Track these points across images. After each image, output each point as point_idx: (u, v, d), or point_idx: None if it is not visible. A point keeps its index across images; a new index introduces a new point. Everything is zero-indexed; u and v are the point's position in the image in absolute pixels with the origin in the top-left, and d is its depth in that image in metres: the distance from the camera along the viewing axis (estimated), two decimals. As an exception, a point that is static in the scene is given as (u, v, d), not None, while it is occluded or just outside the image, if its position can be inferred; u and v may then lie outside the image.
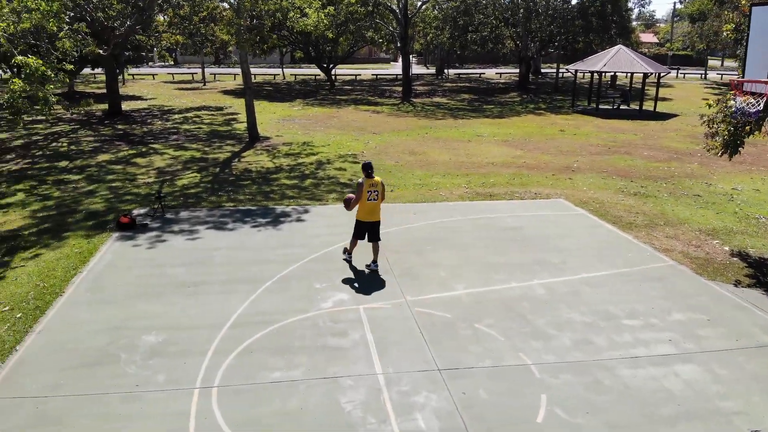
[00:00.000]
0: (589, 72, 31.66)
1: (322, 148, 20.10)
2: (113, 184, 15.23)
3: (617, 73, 40.59)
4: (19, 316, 7.98)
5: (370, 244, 9.63)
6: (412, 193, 14.59)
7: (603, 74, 31.60)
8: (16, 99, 12.03)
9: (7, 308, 8.20)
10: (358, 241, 9.77)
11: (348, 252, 9.99)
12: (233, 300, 8.51)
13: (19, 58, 11.94)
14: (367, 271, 9.59)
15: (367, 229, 9.61)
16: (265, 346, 7.28)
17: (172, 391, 6.35)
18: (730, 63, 67.38)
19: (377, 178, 9.56)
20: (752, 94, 7.36)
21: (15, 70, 12.42)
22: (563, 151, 20.42)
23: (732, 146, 9.79)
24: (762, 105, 7.23)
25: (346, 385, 6.50)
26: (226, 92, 37.55)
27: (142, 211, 12.78)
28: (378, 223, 9.68)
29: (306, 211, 12.98)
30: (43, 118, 25.83)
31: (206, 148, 19.92)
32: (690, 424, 6.01)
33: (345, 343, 7.39)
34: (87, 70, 39.48)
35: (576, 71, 31.87)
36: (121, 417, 5.95)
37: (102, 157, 18.44)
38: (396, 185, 15.25)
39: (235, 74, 47.16)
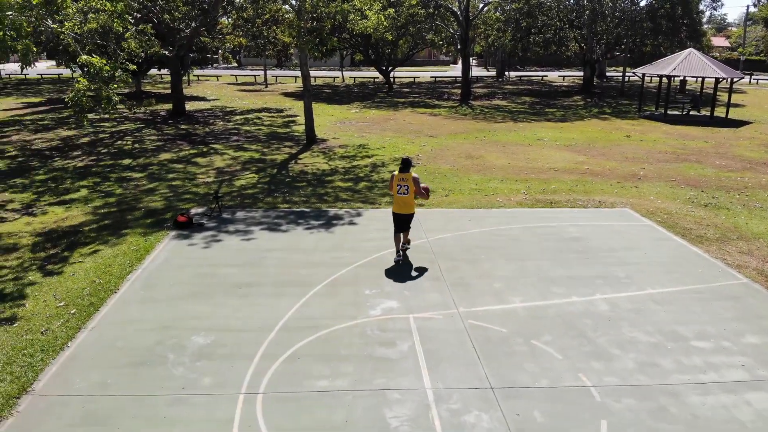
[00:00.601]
0: (658, 76, 30.34)
1: (377, 151, 19.97)
2: (173, 183, 15.53)
3: (686, 78, 38.91)
4: (73, 312, 8.12)
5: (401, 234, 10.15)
6: (467, 198, 14.22)
7: (672, 79, 30.20)
8: (81, 97, 12.39)
9: (62, 304, 8.37)
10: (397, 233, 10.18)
11: (397, 251, 10.16)
12: (283, 303, 8.42)
13: (84, 57, 12.30)
14: (396, 260, 9.95)
15: (395, 220, 10.03)
16: (311, 353, 7.13)
17: (218, 396, 6.27)
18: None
19: (410, 174, 9.79)
20: None
21: (83, 69, 12.74)
22: (629, 157, 19.56)
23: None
24: None
25: (393, 399, 6.26)
26: (287, 94, 38.04)
27: (200, 210, 12.94)
28: (408, 216, 10.01)
29: (358, 214, 12.83)
30: (109, 117, 26.92)
31: (265, 150, 20.12)
32: (768, 462, 5.46)
33: (393, 353, 7.15)
34: (154, 71, 40.87)
35: (644, 75, 30.59)
36: (166, 420, 5.91)
37: (164, 156, 18.89)
38: (451, 190, 14.92)
39: (295, 77, 47.80)
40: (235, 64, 64.20)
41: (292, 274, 9.48)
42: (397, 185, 9.79)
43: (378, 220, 12.44)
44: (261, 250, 10.49)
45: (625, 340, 7.58)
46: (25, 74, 47.79)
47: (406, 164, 9.84)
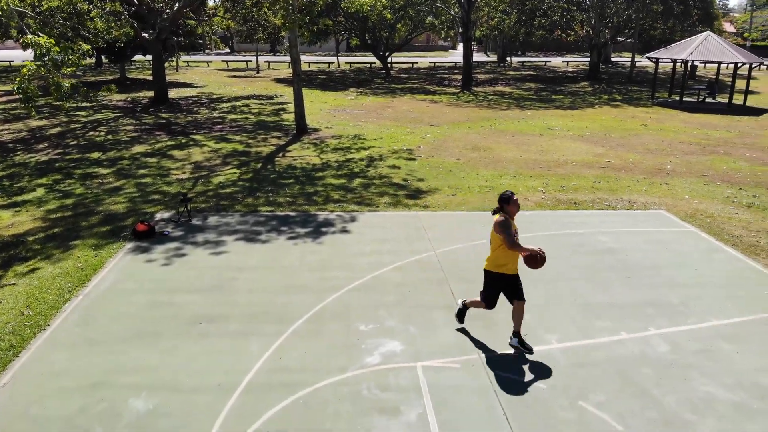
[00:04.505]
0: (672, 61, 28.40)
1: (374, 142, 18.06)
2: (143, 180, 13.64)
3: (696, 64, 36.92)
4: (-17, 361, 6.28)
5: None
6: (477, 198, 12.36)
7: (686, 64, 28.27)
8: (27, 85, 10.46)
9: (-27, 348, 6.53)
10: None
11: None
12: (252, 347, 6.56)
13: (29, 36, 10.34)
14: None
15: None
16: (286, 427, 5.29)
17: (150, 502, 4.45)
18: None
19: (495, 216, 6.53)
20: None
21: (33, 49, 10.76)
22: (651, 149, 17.70)
23: None
24: None
25: (397, 508, 4.45)
26: (279, 80, 36.04)
27: (166, 215, 11.06)
28: (485, 273, 6.75)
29: (352, 219, 10.97)
30: (88, 105, 24.93)
31: (250, 141, 18.20)
32: None
33: (396, 426, 5.31)
34: (140, 57, 38.78)
35: (658, 59, 28.63)
36: None
37: (137, 149, 16.98)
38: (458, 188, 13.05)
39: (289, 62, 45.81)
40: (228, 50, 61.99)
41: (267, 303, 7.62)
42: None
43: (375, 226, 10.59)
44: (232, 269, 8.63)
45: (698, 399, 5.77)
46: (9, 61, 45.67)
47: (498, 202, 6.54)
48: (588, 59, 44.29)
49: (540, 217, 11.25)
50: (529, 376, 6.10)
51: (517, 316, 6.52)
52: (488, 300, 6.68)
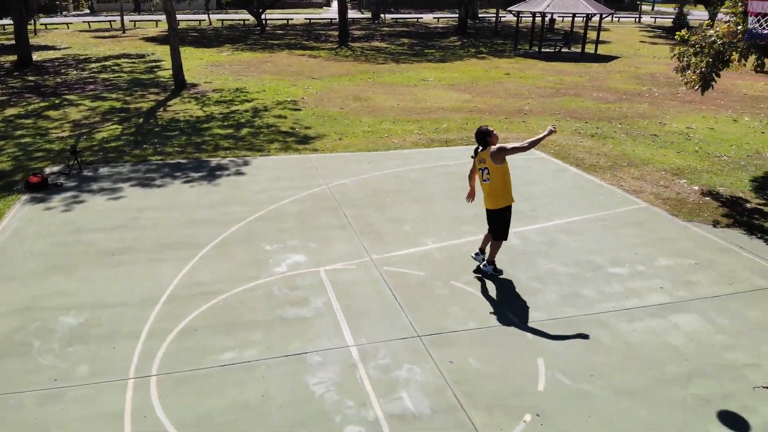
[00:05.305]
0: (531, 14, 30.81)
1: (258, 95, 18.51)
2: (22, 141, 13.29)
3: (555, 17, 40.10)
4: None
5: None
6: (362, 141, 13.44)
7: (544, 17, 30.81)
8: None
9: None
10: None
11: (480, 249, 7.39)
12: (166, 270, 7.25)
13: None
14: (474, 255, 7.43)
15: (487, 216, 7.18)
16: (210, 323, 6.14)
17: (100, 385, 5.16)
18: (661, 8, 68.29)
19: (489, 149, 6.71)
20: (763, 15, 6.63)
21: None
22: (512, 94, 19.64)
23: (708, 78, 9.15)
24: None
25: (313, 363, 5.50)
26: (148, 39, 34.59)
27: (56, 169, 11.10)
28: (491, 213, 7.00)
29: (245, 164, 11.65)
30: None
31: (127, 98, 17.93)
32: (702, 381, 5.37)
33: (307, 312, 6.34)
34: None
35: (519, 13, 30.93)
36: (38, 422, 4.74)
37: (10, 111, 16.21)
38: (344, 133, 14.05)
39: (156, 20, 43.81)
40: (87, 11, 57.71)
41: (173, 235, 8.26)
42: (479, 170, 6.91)
43: (269, 168, 11.35)
44: (133, 210, 9.10)
45: (543, 273, 7.31)
46: None
47: (481, 138, 6.77)
48: (457, 15, 46.33)
49: (417, 153, 12.53)
50: (412, 268, 7.34)
51: (494, 247, 7.08)
52: (505, 235, 7.02)
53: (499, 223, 6.98)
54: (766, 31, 6.58)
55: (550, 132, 6.63)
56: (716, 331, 6.15)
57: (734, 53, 8.75)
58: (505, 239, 7.14)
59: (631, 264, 7.58)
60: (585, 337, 5.99)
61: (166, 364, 5.47)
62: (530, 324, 6.21)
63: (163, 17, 46.88)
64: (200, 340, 5.84)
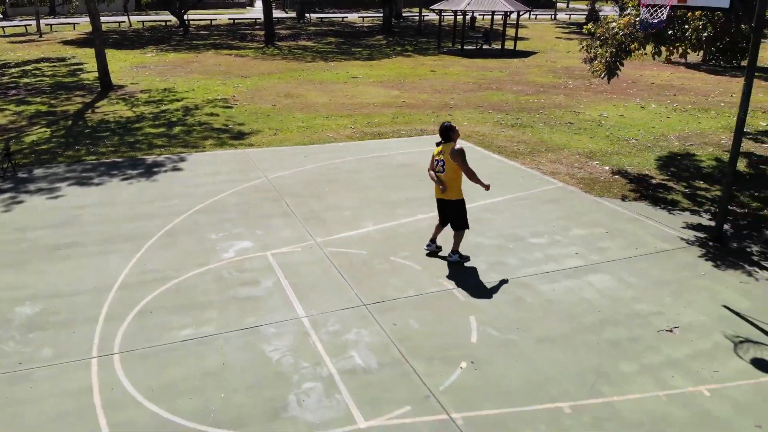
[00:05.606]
0: (452, 12, 31.96)
1: (187, 94, 18.53)
2: (-60, 145, 12.89)
3: (475, 15, 41.62)
4: None
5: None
6: (297, 135, 13.85)
7: (465, 15, 32.04)
8: None
9: None
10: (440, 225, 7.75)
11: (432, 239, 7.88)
12: (115, 260, 7.48)
13: None
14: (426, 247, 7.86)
15: (438, 208, 7.68)
16: (165, 305, 6.46)
17: (66, 365, 5.42)
18: (575, 5, 71.71)
19: (450, 145, 7.19)
20: (653, 6, 7.54)
21: None
22: (438, 90, 20.50)
23: (613, 67, 10.16)
24: (665, 15, 7.44)
25: (269, 333, 5.95)
26: (67, 42, 33.39)
27: (-14, 171, 10.92)
28: (445, 203, 7.44)
29: (182, 160, 11.84)
30: None
31: (53, 101, 17.53)
32: (614, 328, 6.20)
33: (258, 291, 6.77)
34: None
35: (440, 11, 32.01)
36: (10, 401, 4.97)
37: None
38: (279, 129, 14.41)
39: (74, 23, 42.22)
40: (0, 16, 54.73)
41: (117, 229, 8.44)
42: (435, 161, 7.38)
43: (206, 163, 11.60)
44: (73, 208, 9.19)
45: (472, 246, 8.01)
46: None
47: (444, 132, 7.23)
48: (381, 15, 47.17)
49: (352, 146, 13.08)
50: (354, 248, 7.89)
51: (457, 237, 7.46)
52: (465, 223, 7.42)
53: (454, 214, 7.40)
54: (656, 21, 7.51)
55: (485, 187, 7.28)
56: (625, 287, 7.03)
57: (634, 43, 9.78)
58: (467, 227, 7.48)
59: (549, 235, 8.43)
60: (510, 296, 6.73)
61: (127, 342, 5.77)
62: (462, 289, 6.90)
63: (80, 20, 45.32)
64: (157, 320, 6.16)
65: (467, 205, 7.52)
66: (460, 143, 7.40)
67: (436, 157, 7.34)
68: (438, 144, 7.36)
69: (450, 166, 7.18)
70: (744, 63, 24.28)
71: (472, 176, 7.21)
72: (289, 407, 4.96)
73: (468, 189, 7.48)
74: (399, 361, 5.56)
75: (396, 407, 4.97)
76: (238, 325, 6.10)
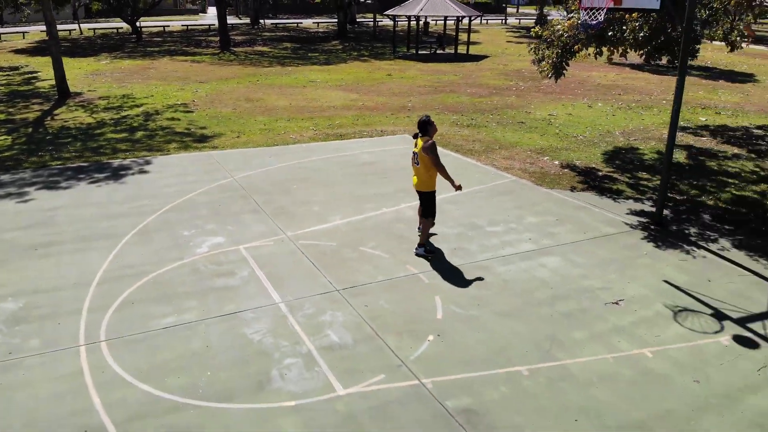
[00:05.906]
0: (406, 17, 32.70)
1: (146, 100, 18.62)
2: None
3: (429, 21, 42.54)
4: None
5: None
6: (260, 137, 14.18)
7: (419, 21, 32.81)
8: None
9: None
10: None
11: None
12: (93, 257, 7.73)
13: None
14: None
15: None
16: (146, 297, 6.77)
17: (55, 353, 5.69)
18: (525, 10, 73.77)
19: (421, 140, 7.58)
20: (591, 9, 8.21)
21: None
22: (396, 93, 21.09)
23: (560, 67, 10.89)
24: (602, 17, 8.13)
25: (248, 318, 6.33)
26: (18, 51, 32.76)
27: (-53, 178, 10.91)
28: (420, 194, 7.86)
29: (147, 163, 12.05)
30: None
31: (10, 110, 17.36)
32: (565, 302, 6.82)
33: (234, 282, 7.13)
34: None
35: (395, 17, 32.70)
36: (5, 387, 5.22)
37: None
38: (241, 131, 14.71)
39: (23, 32, 41.26)
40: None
41: (91, 228, 8.67)
42: (413, 153, 7.77)
43: (173, 165, 11.85)
44: (45, 210, 9.35)
45: (436, 236, 8.55)
46: None
47: (422, 126, 7.58)
48: (336, 20, 47.66)
49: (316, 147, 13.49)
50: (323, 240, 8.32)
51: (425, 227, 7.84)
52: (433, 215, 7.82)
53: (426, 203, 7.82)
54: (594, 22, 8.21)
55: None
56: (574, 267, 7.68)
57: (578, 44, 10.53)
58: (432, 217, 7.88)
59: (504, 223, 9.05)
60: (471, 278, 7.28)
61: (113, 331, 6.07)
62: (427, 273, 7.42)
63: (30, 28, 44.35)
64: (140, 310, 6.47)
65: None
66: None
67: (413, 150, 7.72)
68: (415, 136, 7.74)
69: (422, 161, 7.56)
70: (682, 64, 25.78)
71: (442, 171, 7.57)
72: (273, 381, 5.37)
73: (439, 182, 7.89)
74: (372, 337, 6.03)
75: (371, 376, 5.43)
76: (219, 312, 6.46)
